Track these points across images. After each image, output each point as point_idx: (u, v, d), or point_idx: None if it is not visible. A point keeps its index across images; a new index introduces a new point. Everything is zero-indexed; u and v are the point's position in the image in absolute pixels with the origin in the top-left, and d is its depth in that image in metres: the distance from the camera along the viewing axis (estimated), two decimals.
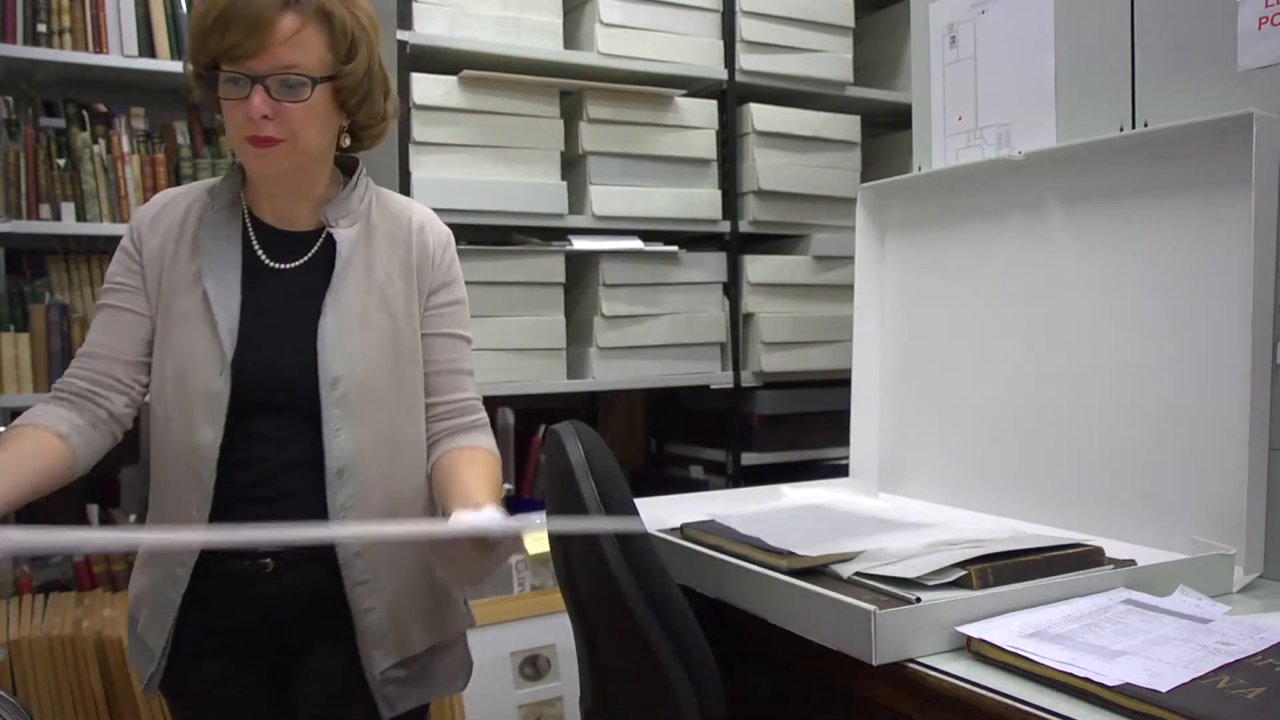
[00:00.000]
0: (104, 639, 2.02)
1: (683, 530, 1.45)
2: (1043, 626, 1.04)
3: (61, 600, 2.19)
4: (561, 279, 2.43)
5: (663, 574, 1.19)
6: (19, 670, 1.97)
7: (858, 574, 1.19)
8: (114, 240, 1.40)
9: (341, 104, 1.30)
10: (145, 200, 1.85)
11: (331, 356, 1.30)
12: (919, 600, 1.08)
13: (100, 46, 2.24)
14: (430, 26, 2.28)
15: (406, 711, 1.36)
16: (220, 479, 1.28)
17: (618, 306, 2.48)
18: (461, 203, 2.28)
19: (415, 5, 2.26)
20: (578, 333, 2.50)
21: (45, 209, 2.23)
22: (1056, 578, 1.15)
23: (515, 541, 1.19)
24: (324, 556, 1.30)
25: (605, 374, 2.48)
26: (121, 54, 2.25)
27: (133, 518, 2.37)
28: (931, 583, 1.15)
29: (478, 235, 2.38)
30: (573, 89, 2.46)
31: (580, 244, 2.42)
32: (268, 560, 1.30)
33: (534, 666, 2.24)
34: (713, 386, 2.63)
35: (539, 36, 2.40)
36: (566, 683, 2.24)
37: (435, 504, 1.38)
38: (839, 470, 2.00)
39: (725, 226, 2.63)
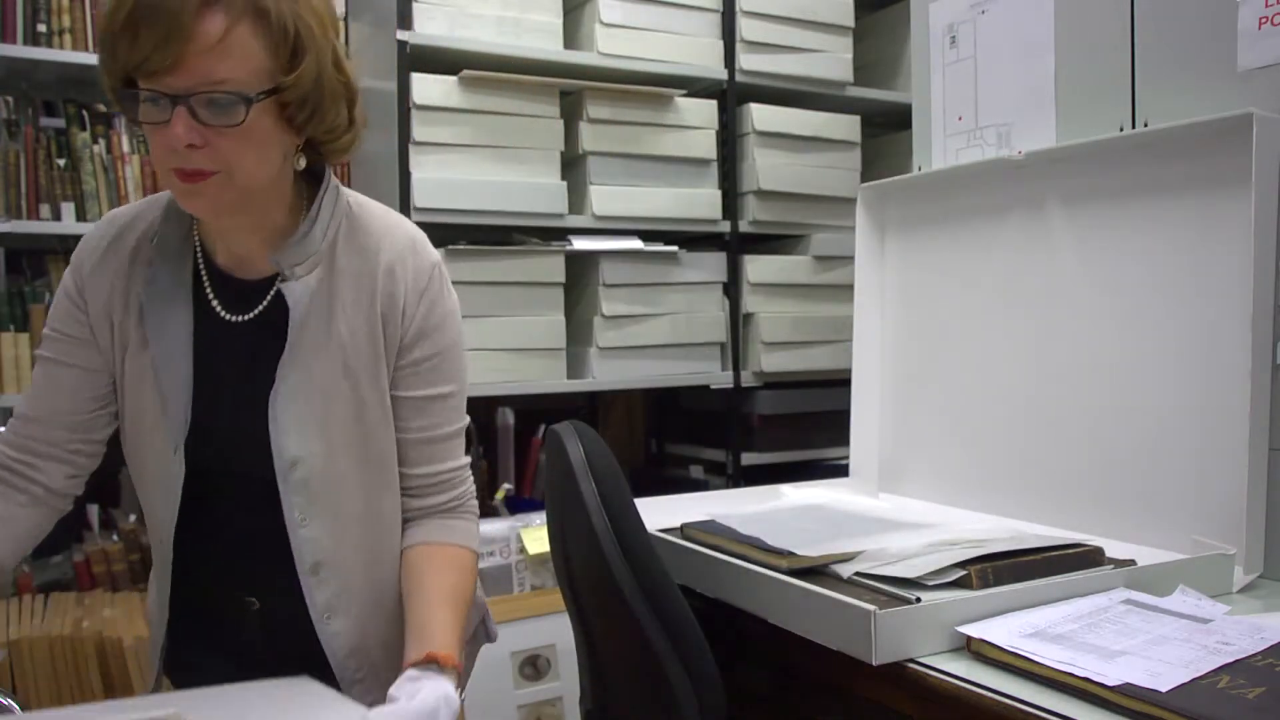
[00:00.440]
0: (104, 639, 2.02)
1: (683, 530, 1.45)
2: (1043, 626, 1.04)
3: (61, 600, 2.19)
4: (561, 279, 2.43)
5: (663, 574, 1.19)
6: (19, 670, 1.97)
7: (858, 574, 1.19)
8: None
9: (289, 120, 1.06)
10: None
11: (286, 437, 1.12)
12: (919, 600, 1.08)
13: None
14: (430, 26, 2.28)
15: None
16: (182, 556, 1.17)
17: (618, 306, 2.48)
18: (461, 203, 2.28)
19: (415, 5, 2.26)
20: (578, 333, 2.50)
21: (45, 209, 2.23)
22: (1056, 578, 1.15)
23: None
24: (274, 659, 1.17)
25: (605, 374, 2.48)
26: None
27: (133, 518, 2.38)
28: (931, 583, 1.15)
29: (478, 235, 2.38)
30: (573, 89, 2.46)
31: (580, 244, 2.42)
32: (253, 600, 1.19)
33: (534, 666, 2.24)
34: (713, 386, 2.63)
35: (539, 36, 2.40)
36: (566, 683, 2.24)
37: None
38: (839, 470, 2.00)
39: (725, 226, 2.63)
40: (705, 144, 2.59)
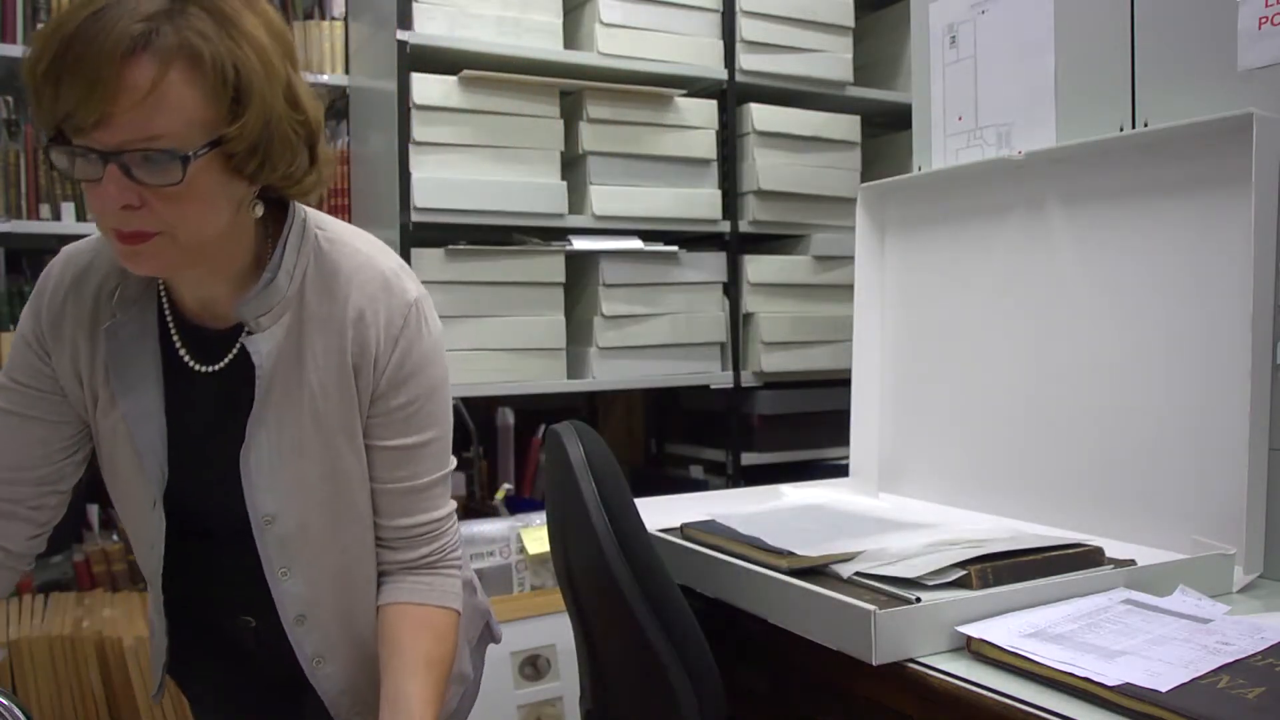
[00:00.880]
0: (104, 639, 2.02)
1: (683, 530, 1.45)
2: (1043, 626, 1.04)
3: (61, 600, 2.19)
4: (561, 279, 2.43)
5: (663, 574, 1.19)
6: (19, 670, 1.97)
7: (858, 574, 1.19)
8: None
9: (237, 170, 0.95)
10: None
11: (260, 494, 1.07)
12: (919, 600, 1.08)
13: None
14: (430, 26, 2.28)
15: None
16: (173, 591, 1.16)
17: (618, 306, 2.48)
18: (461, 203, 2.28)
19: (415, 5, 2.26)
20: (578, 333, 2.50)
21: (45, 209, 2.23)
22: (1056, 578, 1.15)
23: None
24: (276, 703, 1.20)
25: (605, 374, 2.48)
26: None
27: None
28: (931, 583, 1.15)
29: (478, 235, 2.38)
30: (573, 89, 2.46)
31: (580, 244, 2.42)
32: (250, 619, 1.17)
33: (534, 666, 2.24)
34: (713, 386, 2.63)
35: (539, 36, 2.40)
36: (566, 683, 2.24)
37: None
38: (839, 470, 2.00)
39: (725, 226, 2.63)
40: (705, 144, 2.59)
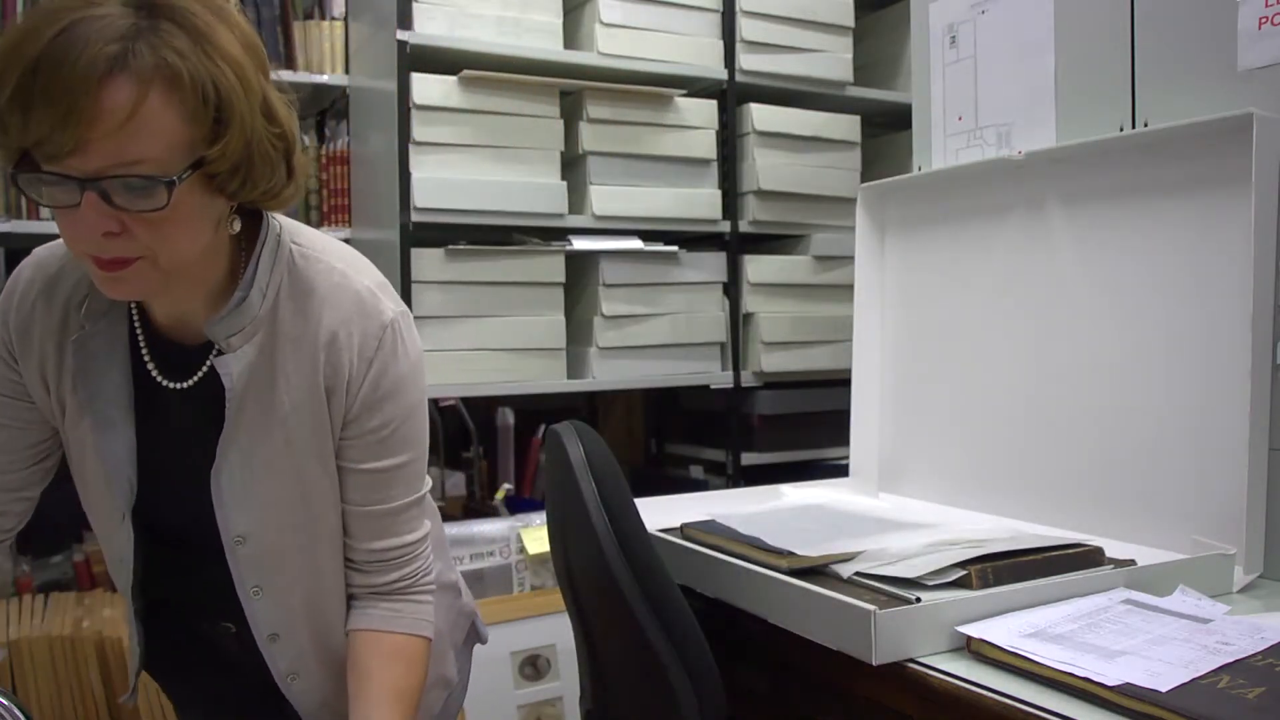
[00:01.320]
0: (104, 639, 2.02)
1: (683, 530, 1.45)
2: (1043, 626, 1.04)
3: (61, 600, 2.19)
4: (561, 279, 2.43)
5: (663, 574, 1.19)
6: (19, 670, 1.97)
7: (858, 574, 1.19)
8: None
9: (219, 189, 0.93)
10: None
11: (231, 513, 1.05)
12: (919, 600, 1.08)
13: None
14: (430, 26, 2.28)
15: None
16: (146, 600, 1.14)
17: (618, 306, 2.48)
18: (461, 203, 2.28)
19: (415, 5, 2.26)
20: (578, 333, 2.50)
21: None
22: (1056, 578, 1.15)
23: None
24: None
25: (605, 374, 2.48)
26: None
27: None
28: (931, 583, 1.15)
29: (478, 235, 2.38)
30: (573, 89, 2.46)
31: (580, 244, 2.42)
32: (229, 625, 1.14)
33: (534, 666, 2.24)
34: (713, 386, 2.63)
35: (539, 36, 2.40)
36: (566, 683, 2.24)
37: None
38: (839, 470, 2.00)
39: (725, 226, 2.63)
40: (705, 144, 2.59)
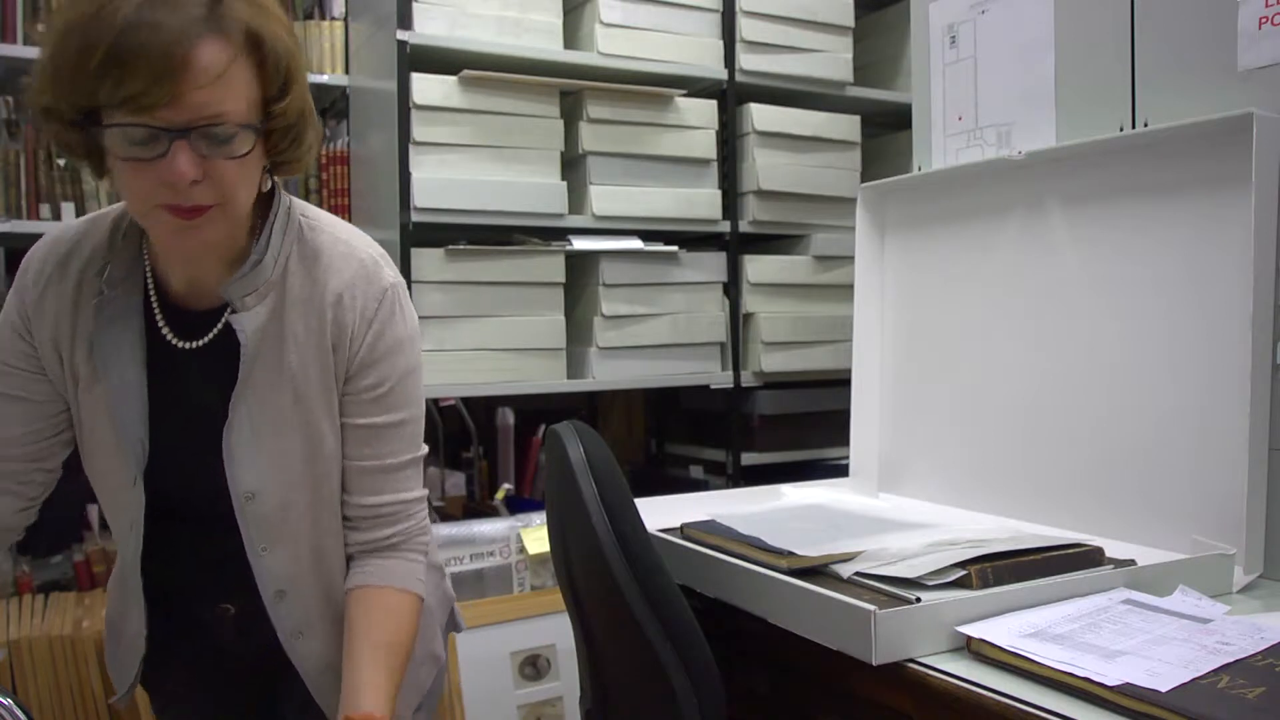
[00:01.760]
0: (104, 639, 2.02)
1: (683, 530, 1.45)
2: (1043, 626, 1.04)
3: (61, 600, 2.19)
4: (561, 279, 2.43)
5: (663, 574, 1.19)
6: (19, 670, 1.97)
7: (858, 574, 1.19)
8: None
9: (270, 149, 1.04)
10: None
11: (241, 470, 1.10)
12: (919, 600, 1.08)
13: None
14: (430, 26, 2.28)
15: None
16: (151, 575, 1.16)
17: (618, 306, 2.48)
18: (461, 203, 2.29)
19: (415, 5, 2.26)
20: (578, 333, 2.50)
21: (45, 209, 2.23)
22: (1056, 578, 1.15)
23: None
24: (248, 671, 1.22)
25: (605, 374, 2.48)
26: None
27: None
28: (931, 583, 1.15)
29: (478, 235, 2.38)
30: (573, 89, 2.46)
31: (580, 244, 2.42)
32: (229, 606, 1.19)
33: (534, 666, 2.24)
34: (713, 386, 2.63)
35: (539, 36, 2.40)
36: (566, 683, 2.24)
37: None
38: (839, 470, 2.00)
39: (725, 226, 2.63)
40: (705, 144, 2.59)
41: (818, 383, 2.71)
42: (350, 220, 2.54)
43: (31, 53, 2.18)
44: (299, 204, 1.17)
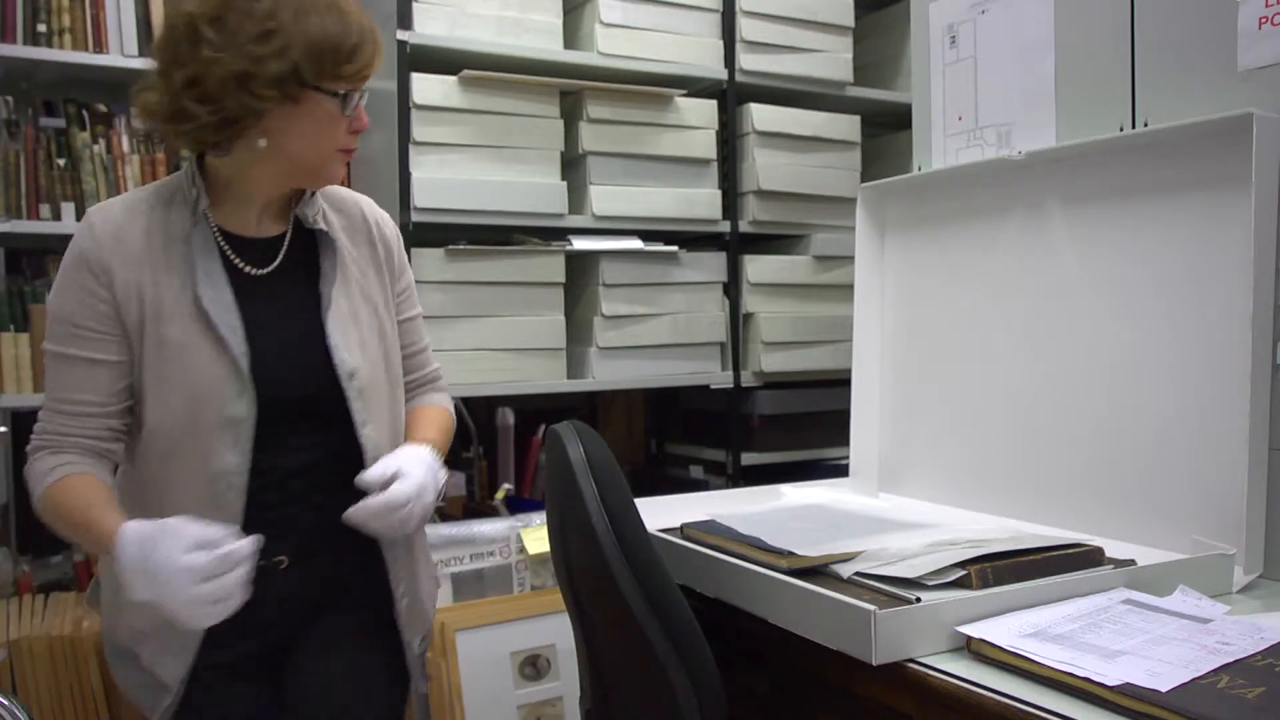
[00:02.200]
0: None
1: (683, 530, 1.45)
2: (1043, 626, 1.04)
3: (61, 600, 2.19)
4: (561, 279, 2.43)
5: (663, 574, 1.19)
6: (19, 670, 1.97)
7: (858, 574, 1.19)
8: None
9: None
10: None
11: (343, 352, 1.32)
12: (919, 600, 1.08)
13: (100, 46, 2.24)
14: (430, 26, 2.28)
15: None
16: (247, 500, 1.27)
17: (618, 306, 2.48)
18: (461, 203, 2.28)
19: (415, 5, 2.26)
20: (578, 333, 2.50)
21: (45, 209, 2.23)
22: (1056, 578, 1.15)
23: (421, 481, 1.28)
24: (337, 548, 1.35)
25: (605, 374, 2.48)
26: (121, 54, 2.25)
27: None
28: (931, 583, 1.15)
29: (478, 235, 2.38)
30: (573, 89, 2.46)
31: (580, 244, 2.42)
32: (282, 558, 1.31)
33: (534, 666, 2.24)
34: (713, 386, 2.63)
35: (539, 36, 2.40)
36: (566, 683, 2.24)
37: None
38: (839, 470, 2.00)
39: (725, 226, 2.63)
40: (705, 144, 2.59)
41: (818, 383, 2.71)
42: None
43: (32, 53, 2.18)
44: None
